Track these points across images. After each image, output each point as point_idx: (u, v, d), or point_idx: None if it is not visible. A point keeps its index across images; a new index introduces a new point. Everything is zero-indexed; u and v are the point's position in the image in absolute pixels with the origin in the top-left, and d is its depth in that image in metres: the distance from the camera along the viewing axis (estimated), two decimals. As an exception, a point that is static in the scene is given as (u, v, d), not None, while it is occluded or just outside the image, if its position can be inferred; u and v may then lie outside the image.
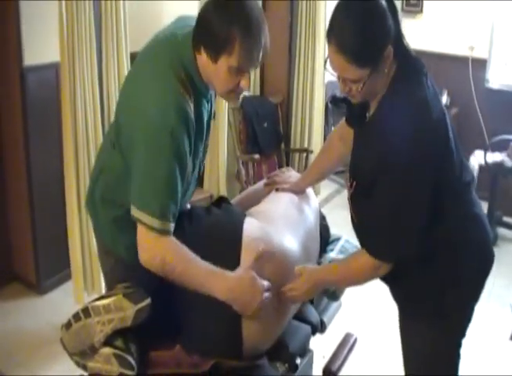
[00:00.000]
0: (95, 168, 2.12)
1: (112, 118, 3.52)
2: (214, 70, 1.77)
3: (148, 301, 1.77)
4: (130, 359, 1.78)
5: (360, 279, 1.98)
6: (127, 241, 1.97)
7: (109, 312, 1.77)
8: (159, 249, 1.77)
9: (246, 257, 1.85)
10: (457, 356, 2.06)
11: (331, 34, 1.68)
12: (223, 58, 1.72)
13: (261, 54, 1.76)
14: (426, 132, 1.72)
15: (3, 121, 3.58)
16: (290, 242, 1.99)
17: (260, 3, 4.92)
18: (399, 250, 1.82)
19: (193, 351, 1.86)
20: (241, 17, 1.70)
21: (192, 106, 1.81)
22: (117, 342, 1.81)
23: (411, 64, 1.81)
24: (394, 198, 1.76)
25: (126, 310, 1.76)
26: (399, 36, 1.74)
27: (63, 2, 3.10)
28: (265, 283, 1.83)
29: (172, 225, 1.78)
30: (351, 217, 2.03)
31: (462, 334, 2.03)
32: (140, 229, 1.77)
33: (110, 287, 2.09)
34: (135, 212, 1.76)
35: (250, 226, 1.94)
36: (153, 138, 1.73)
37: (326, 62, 1.76)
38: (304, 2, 5.13)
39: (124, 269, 2.03)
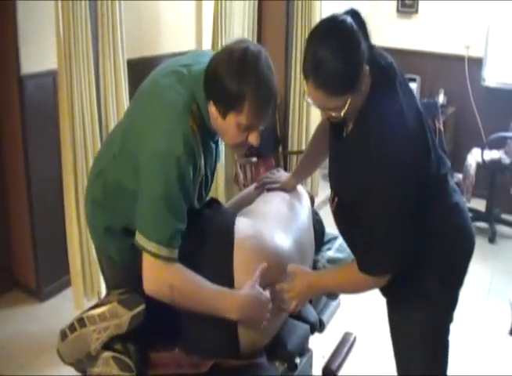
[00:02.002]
0: (94, 168, 2.10)
1: (109, 124, 3.56)
2: (222, 123, 1.76)
3: (142, 306, 1.77)
4: (128, 361, 1.78)
5: (357, 290, 2.02)
6: (117, 245, 2.01)
7: (105, 320, 1.76)
8: (167, 277, 1.74)
9: (239, 255, 1.86)
10: (446, 342, 2.07)
11: (308, 70, 1.66)
12: (232, 114, 1.72)
13: (270, 112, 1.76)
14: (404, 146, 1.72)
15: (2, 128, 3.59)
16: (283, 238, 1.99)
17: (256, 3, 4.94)
18: (394, 265, 1.85)
19: (191, 352, 1.87)
20: (252, 76, 1.67)
21: (199, 140, 1.79)
22: (116, 345, 1.81)
23: (383, 73, 1.79)
24: (381, 217, 1.77)
25: (121, 317, 1.76)
26: (370, 49, 1.71)
27: (60, 11, 3.11)
28: (267, 294, 1.85)
29: (177, 252, 1.75)
30: (338, 228, 2.07)
31: (449, 319, 2.05)
32: (146, 258, 1.74)
33: (109, 288, 2.11)
34: (140, 240, 1.73)
35: (242, 225, 1.95)
36: (158, 164, 1.71)
37: (305, 93, 1.75)
38: (300, 3, 5.14)
39: (115, 268, 2.06)
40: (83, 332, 1.77)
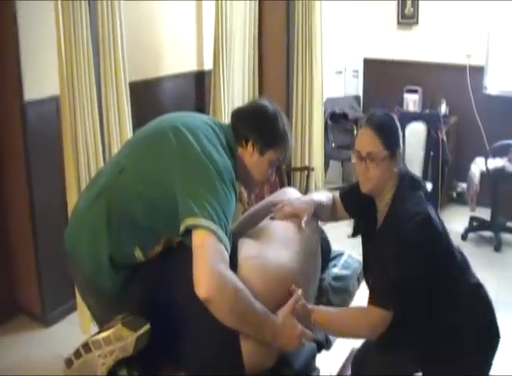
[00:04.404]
0: (90, 195, 1.99)
1: (112, 147, 3.56)
2: (257, 160, 2.07)
3: (147, 326, 1.76)
4: (133, 387, 1.77)
5: (353, 328, 2.03)
6: (114, 276, 1.93)
7: (110, 343, 1.75)
8: (229, 275, 1.73)
9: (242, 275, 1.83)
10: None
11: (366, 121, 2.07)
12: (270, 152, 2.07)
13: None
14: (428, 236, 1.97)
15: (4, 155, 3.60)
16: (287, 258, 1.98)
17: (257, 3, 4.97)
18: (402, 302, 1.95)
19: (196, 374, 1.84)
20: (287, 124, 2.14)
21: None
22: (121, 372, 1.80)
23: (411, 182, 2.09)
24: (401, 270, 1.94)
25: (126, 339, 1.74)
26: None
27: (62, 37, 3.14)
28: (300, 326, 1.87)
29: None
30: None
31: None
32: (208, 245, 1.73)
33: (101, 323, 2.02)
34: (203, 222, 1.73)
35: (245, 245, 1.96)
36: (218, 176, 1.84)
37: (353, 145, 2.09)
38: (300, 4, 5.13)
39: (108, 303, 1.97)
40: (88, 358, 1.76)
